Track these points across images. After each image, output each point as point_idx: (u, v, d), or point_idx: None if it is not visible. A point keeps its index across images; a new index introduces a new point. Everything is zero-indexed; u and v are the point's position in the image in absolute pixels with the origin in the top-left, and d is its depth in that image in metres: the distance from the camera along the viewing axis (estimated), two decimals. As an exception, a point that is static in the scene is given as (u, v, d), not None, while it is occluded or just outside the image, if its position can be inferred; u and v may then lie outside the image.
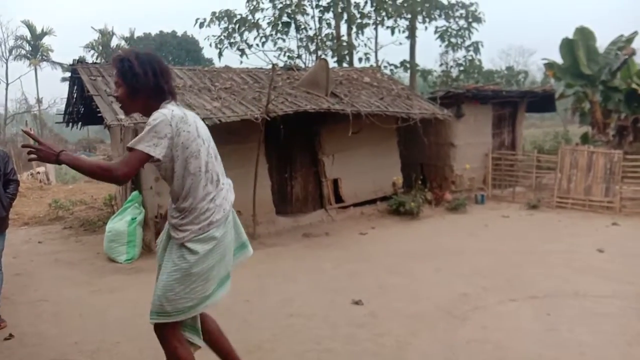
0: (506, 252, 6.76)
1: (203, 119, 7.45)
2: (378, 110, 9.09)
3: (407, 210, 9.35)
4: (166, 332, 2.67)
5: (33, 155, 2.42)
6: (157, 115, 2.50)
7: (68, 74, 9.52)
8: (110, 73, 8.09)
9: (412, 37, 15.84)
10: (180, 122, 2.53)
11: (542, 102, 12.75)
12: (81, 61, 8.47)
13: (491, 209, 10.06)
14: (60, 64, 34.88)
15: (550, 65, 16.41)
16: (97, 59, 33.35)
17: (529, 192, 10.73)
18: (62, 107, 9.97)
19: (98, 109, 6.97)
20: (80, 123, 10.03)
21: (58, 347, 4.09)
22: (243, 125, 7.53)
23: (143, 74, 2.56)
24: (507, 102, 11.88)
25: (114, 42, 37.54)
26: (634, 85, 14.93)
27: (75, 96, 8.97)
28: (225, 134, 7.76)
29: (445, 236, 7.94)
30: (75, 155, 2.54)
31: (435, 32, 16.34)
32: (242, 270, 6.18)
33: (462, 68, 17.21)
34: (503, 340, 3.93)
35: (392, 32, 15.73)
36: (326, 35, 15.71)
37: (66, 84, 9.39)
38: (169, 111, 2.53)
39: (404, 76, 18.32)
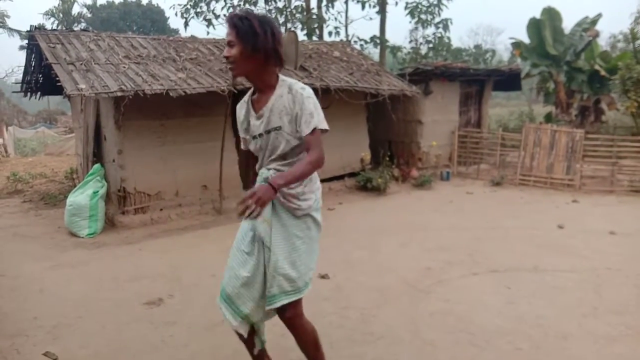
0: (470, 227, 6.89)
1: (167, 90, 7.30)
2: (347, 86, 9.04)
3: (375, 186, 9.41)
4: (297, 310, 2.61)
5: (259, 208, 2.21)
6: (307, 88, 2.51)
7: (26, 42, 9.11)
8: (70, 41, 7.80)
9: (382, 12, 15.71)
10: None
11: (508, 81, 12.92)
12: (39, 28, 8.10)
13: (456, 186, 10.23)
14: (18, 31, 33.35)
15: (517, 45, 16.63)
16: (57, 26, 32.06)
17: (493, 170, 10.93)
18: (20, 76, 9.57)
19: (58, 78, 6.70)
20: (39, 93, 9.65)
21: (16, 323, 3.98)
22: (209, 98, 7.38)
23: (263, 34, 2.44)
24: (474, 80, 12.00)
25: (75, 9, 36.08)
26: (596, 67, 15.30)
27: (33, 65, 8.61)
28: (191, 106, 7.62)
29: (411, 212, 8.04)
30: (281, 174, 2.39)
31: (406, 7, 16.26)
32: (209, 246, 6.17)
33: (431, 45, 17.22)
34: (465, 313, 4.02)
35: (363, 7, 15.57)
36: (295, 7, 15.45)
37: (24, 53, 8.99)
38: (302, 84, 2.55)
39: (374, 52, 18.22)
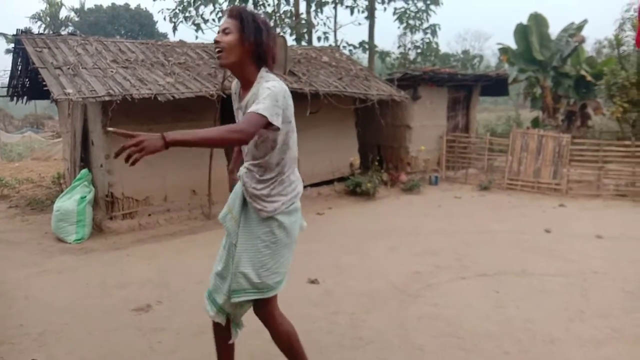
0: (458, 232, 6.93)
1: (155, 95, 7.27)
2: (336, 91, 9.07)
3: (364, 190, 9.43)
4: (268, 310, 2.64)
5: (137, 154, 1.98)
6: (275, 84, 2.42)
7: (12, 46, 9.03)
8: (57, 45, 7.75)
9: (371, 17, 15.79)
10: (287, 95, 2.49)
11: (495, 86, 13.04)
12: (26, 32, 8.03)
13: (444, 190, 10.28)
14: (4, 35, 33.04)
15: (504, 50, 16.77)
16: (44, 30, 31.78)
17: (481, 174, 11.01)
18: (6, 80, 9.47)
19: (44, 83, 6.65)
20: (26, 97, 9.57)
21: (2, 330, 3.93)
22: (198, 102, 7.37)
23: (265, 30, 2.48)
24: (462, 85, 12.10)
25: (63, 13, 35.84)
26: (582, 72, 15.47)
27: (20, 69, 8.55)
28: (180, 111, 7.59)
29: (400, 216, 8.06)
30: (183, 132, 2.14)
31: (394, 13, 16.35)
32: (197, 252, 6.13)
33: (419, 50, 17.34)
34: (453, 317, 4.04)
35: (352, 12, 15.65)
36: (285, 12, 15.48)
37: (10, 56, 8.91)
38: (279, 82, 2.48)
39: (363, 57, 18.34)
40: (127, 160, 2.01)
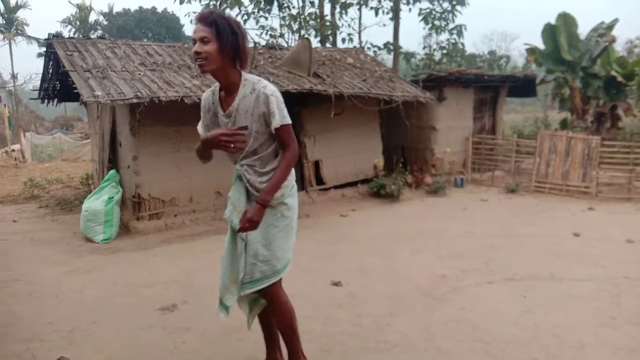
0: (484, 235, 6.83)
1: (182, 97, 7.35)
2: (361, 92, 9.04)
3: (388, 192, 9.38)
4: (276, 290, 2.80)
5: (253, 228, 2.64)
6: (273, 88, 2.66)
7: (44, 49, 9.26)
8: (87, 49, 7.90)
9: (395, 18, 15.70)
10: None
11: (523, 87, 12.83)
12: (57, 36, 8.22)
13: (470, 193, 10.15)
14: (36, 39, 33.91)
15: (531, 51, 16.48)
16: (74, 34, 32.52)
17: (507, 177, 10.84)
18: (38, 83, 9.71)
19: (74, 85, 6.80)
20: (56, 100, 9.79)
21: (32, 327, 4.02)
22: (224, 105, 7.43)
23: (241, 35, 2.61)
24: (489, 86, 11.93)
25: (92, 17, 36.63)
26: (613, 73, 15.10)
27: (50, 72, 8.75)
28: (206, 113, 7.66)
29: (424, 219, 7.99)
30: (266, 190, 2.65)
31: (419, 14, 16.22)
32: (222, 252, 6.17)
33: (445, 51, 17.17)
34: (480, 322, 3.98)
35: (376, 13, 15.57)
36: (309, 14, 15.50)
37: (42, 60, 9.14)
38: (269, 83, 2.69)
39: (387, 58, 18.24)
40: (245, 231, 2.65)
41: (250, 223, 2.59)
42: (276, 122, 2.60)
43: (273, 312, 2.90)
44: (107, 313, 4.29)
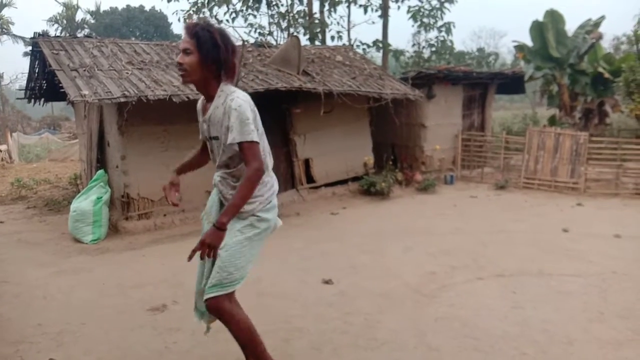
0: (474, 231, 6.86)
1: (170, 96, 7.30)
2: (350, 90, 9.04)
3: (378, 190, 9.39)
4: (223, 302, 2.71)
5: (211, 252, 2.57)
6: (240, 102, 2.56)
7: (30, 48, 9.16)
8: (73, 47, 7.82)
9: (384, 16, 15.71)
10: (252, 104, 2.63)
11: (511, 84, 12.91)
12: (43, 35, 8.13)
13: (460, 190, 10.20)
14: (22, 38, 33.49)
15: (520, 48, 16.58)
16: (61, 33, 32.19)
17: (497, 173, 10.90)
18: (24, 82, 9.61)
19: (61, 85, 6.73)
20: (43, 99, 9.69)
21: (20, 329, 3.98)
22: (212, 103, 7.39)
23: (224, 47, 2.58)
24: (478, 83, 11.98)
25: (79, 16, 36.27)
26: (600, 69, 15.24)
27: (37, 71, 8.66)
28: (194, 111, 7.60)
29: (414, 216, 8.02)
30: (224, 211, 2.57)
31: (408, 11, 16.26)
32: (212, 250, 6.15)
33: (433, 49, 17.23)
34: (470, 318, 3.99)
35: (365, 11, 15.58)
36: (298, 12, 15.46)
37: (28, 59, 9.04)
38: (243, 94, 2.63)
39: (377, 56, 18.26)
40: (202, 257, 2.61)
41: (203, 247, 2.53)
42: (232, 137, 2.55)
43: (227, 328, 2.77)
44: (96, 314, 4.26)
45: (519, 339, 3.61)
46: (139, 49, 8.48)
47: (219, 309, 2.70)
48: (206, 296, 2.69)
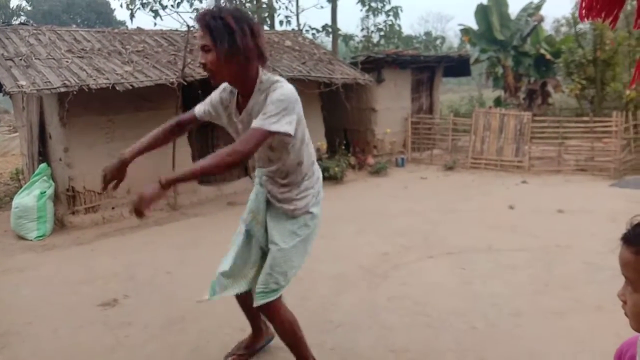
0: (424, 211, 7.01)
1: (114, 85, 7.05)
2: (300, 75, 8.99)
3: (332, 175, 9.42)
4: (276, 305, 2.61)
5: (142, 206, 2.17)
6: (285, 91, 2.29)
7: (-41, 37, 8.61)
8: (7, 36, 7.44)
9: (333, 0, 15.69)
10: (296, 95, 2.36)
11: (458, 67, 13.15)
12: (-27, 22, 7.69)
13: (410, 172, 10.38)
14: (-48, 27, 31.60)
15: (466, 31, 16.95)
16: (-6, 21, 30.52)
17: (445, 154, 11.14)
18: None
19: (-5, 75, 6.39)
20: (-24, 91, 9.18)
21: (-39, 333, 3.80)
22: (158, 91, 7.20)
23: (241, 31, 2.19)
24: (425, 67, 12.16)
25: (14, 2, 34.51)
26: (542, 51, 15.78)
27: (-32, 61, 8.17)
28: (139, 100, 7.41)
29: (367, 199, 8.11)
30: (181, 173, 2.28)
31: (356, -5, 16.29)
32: (163, 243, 6.05)
33: (382, 33, 17.34)
34: (421, 295, 4.09)
35: (314, -5, 15.51)
36: (245, -3, 15.23)
37: (-43, 48, 8.50)
38: (286, 83, 2.36)
39: (326, 41, 18.21)
40: (138, 215, 2.18)
41: (140, 203, 2.16)
42: (260, 122, 2.21)
43: (274, 328, 2.76)
44: (43, 313, 4.11)
45: (469, 314, 3.73)
46: (79, 37, 8.14)
47: (275, 313, 2.64)
48: (259, 302, 2.56)
